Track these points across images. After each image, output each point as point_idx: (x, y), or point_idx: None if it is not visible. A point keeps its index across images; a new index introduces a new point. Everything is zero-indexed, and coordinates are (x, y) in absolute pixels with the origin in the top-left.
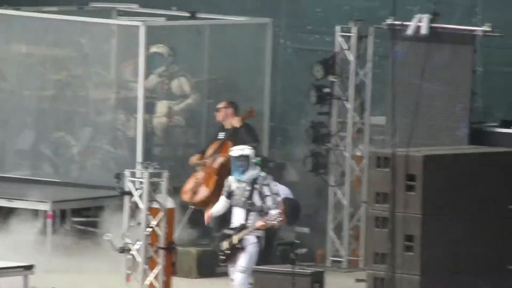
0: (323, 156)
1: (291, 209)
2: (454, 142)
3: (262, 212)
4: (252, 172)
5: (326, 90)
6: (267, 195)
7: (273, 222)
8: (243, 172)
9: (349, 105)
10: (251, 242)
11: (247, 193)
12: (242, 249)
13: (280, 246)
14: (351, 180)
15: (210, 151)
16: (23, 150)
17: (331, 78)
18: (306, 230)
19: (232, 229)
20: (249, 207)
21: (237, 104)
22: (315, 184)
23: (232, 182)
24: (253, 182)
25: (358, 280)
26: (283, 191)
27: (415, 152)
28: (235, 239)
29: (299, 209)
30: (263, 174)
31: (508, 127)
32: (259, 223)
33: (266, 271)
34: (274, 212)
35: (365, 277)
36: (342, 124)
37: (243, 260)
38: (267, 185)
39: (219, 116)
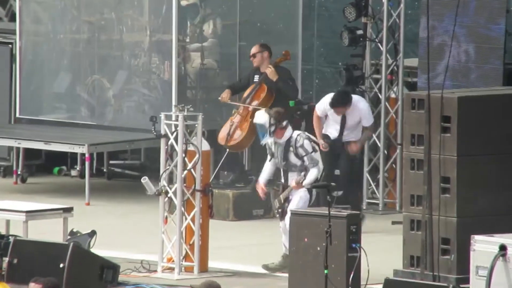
0: None
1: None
2: (488, 83)
3: (305, 172)
4: (266, 139)
5: (359, 32)
6: (303, 156)
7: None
8: (263, 137)
9: (382, 47)
10: (297, 194)
11: (282, 154)
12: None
13: (315, 188)
14: (385, 122)
15: (246, 94)
16: (60, 93)
17: (363, 20)
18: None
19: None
20: (286, 168)
21: (269, 45)
22: None
23: (271, 143)
24: (288, 143)
25: (394, 222)
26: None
27: (449, 94)
28: (280, 199)
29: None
30: (295, 135)
31: None
32: (293, 184)
33: (302, 213)
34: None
35: (401, 220)
36: (376, 66)
37: (293, 204)
38: (301, 146)
39: (256, 62)
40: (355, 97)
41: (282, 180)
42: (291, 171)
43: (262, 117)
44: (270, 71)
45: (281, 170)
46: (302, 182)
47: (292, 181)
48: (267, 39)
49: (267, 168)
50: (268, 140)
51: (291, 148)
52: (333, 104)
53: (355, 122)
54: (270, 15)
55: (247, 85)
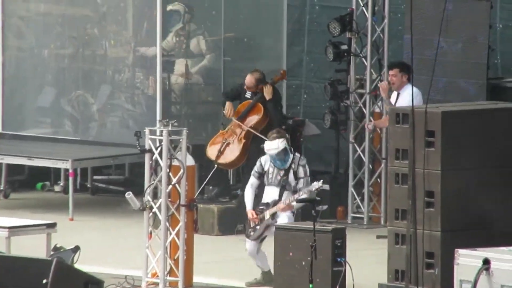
0: (342, 113)
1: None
2: (472, 98)
3: (295, 192)
4: (290, 157)
5: (343, 47)
6: (300, 177)
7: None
8: (285, 162)
9: (366, 62)
10: (284, 214)
11: (282, 172)
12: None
13: (300, 203)
14: (370, 136)
15: (240, 111)
16: (44, 107)
17: (348, 35)
18: (326, 187)
19: (263, 204)
20: (284, 185)
21: (263, 76)
22: (336, 141)
23: (266, 162)
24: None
25: (379, 237)
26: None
27: (434, 108)
28: (267, 214)
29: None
30: (297, 154)
31: None
32: (281, 206)
33: (287, 228)
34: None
35: (386, 234)
36: (360, 81)
37: (283, 221)
38: (303, 166)
39: (250, 91)
40: None
41: (276, 198)
42: (286, 189)
43: (282, 143)
44: (268, 89)
45: (278, 188)
46: (291, 203)
47: (280, 204)
48: (252, 55)
49: (249, 195)
50: (266, 158)
51: (292, 165)
52: None
53: None
54: (258, 30)
55: (238, 96)
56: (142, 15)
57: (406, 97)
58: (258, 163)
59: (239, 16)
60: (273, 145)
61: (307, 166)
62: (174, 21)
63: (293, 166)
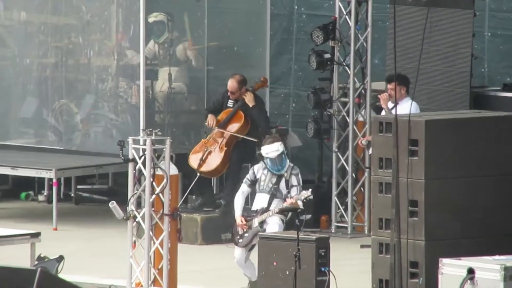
0: (325, 121)
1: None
2: (455, 107)
3: (285, 200)
4: (287, 164)
5: (327, 55)
6: (293, 185)
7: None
8: (281, 167)
9: (350, 71)
10: (274, 221)
11: (274, 179)
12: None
13: (284, 212)
14: (353, 145)
15: (221, 119)
16: (26, 118)
17: (331, 43)
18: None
19: (253, 211)
20: (275, 193)
21: (244, 77)
22: (319, 149)
23: (259, 170)
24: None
25: (363, 246)
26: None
27: (417, 117)
28: (255, 222)
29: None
30: (290, 164)
31: (511, 91)
32: (289, 201)
33: (271, 237)
34: (290, 200)
35: (370, 243)
36: (343, 89)
37: (273, 229)
38: (296, 175)
39: (234, 97)
40: None
41: (265, 205)
42: (276, 197)
43: (279, 146)
44: (249, 96)
45: (269, 196)
46: (297, 201)
47: (268, 212)
48: (236, 64)
49: (239, 202)
50: (259, 166)
51: (285, 174)
52: None
53: None
54: (244, 39)
55: (221, 109)
56: (125, 24)
57: (405, 111)
58: (250, 171)
59: (227, 25)
60: (273, 148)
61: (299, 175)
62: (159, 32)
63: (285, 174)
